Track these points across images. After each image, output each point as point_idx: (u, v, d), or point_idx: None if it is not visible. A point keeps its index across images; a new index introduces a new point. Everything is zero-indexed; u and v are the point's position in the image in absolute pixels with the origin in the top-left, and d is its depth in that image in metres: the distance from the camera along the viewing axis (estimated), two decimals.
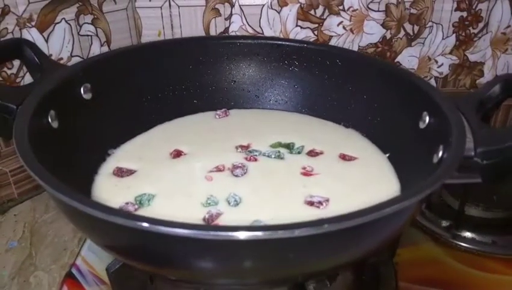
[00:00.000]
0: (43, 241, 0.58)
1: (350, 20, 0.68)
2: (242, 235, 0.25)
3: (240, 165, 0.45)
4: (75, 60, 0.64)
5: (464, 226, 0.53)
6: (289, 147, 0.49)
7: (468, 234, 0.53)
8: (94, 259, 0.52)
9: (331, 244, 0.28)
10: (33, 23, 0.59)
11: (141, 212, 0.40)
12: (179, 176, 0.45)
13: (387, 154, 0.47)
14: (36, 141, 0.37)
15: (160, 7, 0.68)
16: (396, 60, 0.70)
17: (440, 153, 0.37)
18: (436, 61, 0.71)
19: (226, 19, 0.68)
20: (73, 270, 0.51)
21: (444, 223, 0.54)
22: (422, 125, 0.43)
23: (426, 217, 0.55)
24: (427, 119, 0.42)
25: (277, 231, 0.25)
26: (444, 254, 0.51)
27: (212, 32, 0.68)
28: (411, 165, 0.42)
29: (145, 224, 0.26)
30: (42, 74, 0.45)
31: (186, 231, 0.25)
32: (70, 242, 0.57)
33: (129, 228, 0.26)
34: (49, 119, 0.41)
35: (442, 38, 0.69)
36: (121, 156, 0.48)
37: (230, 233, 0.25)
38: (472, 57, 0.71)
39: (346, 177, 0.44)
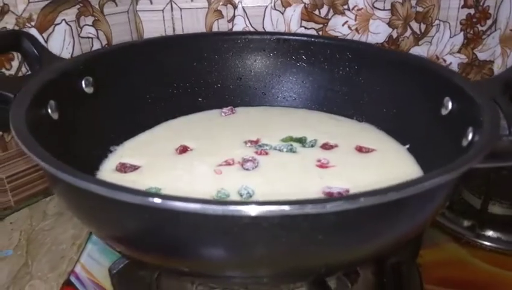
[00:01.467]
0: (40, 249, 0.54)
1: (355, 20, 0.67)
2: (266, 209, 0.23)
3: (250, 158, 0.43)
4: None
5: (487, 225, 0.50)
6: (301, 141, 0.46)
7: (492, 233, 0.50)
8: (94, 266, 0.49)
9: (365, 224, 0.25)
10: (33, 23, 0.57)
11: None
12: (186, 171, 0.42)
13: (407, 146, 0.44)
14: (35, 130, 0.34)
15: (162, 10, 0.67)
16: None
17: (470, 136, 0.35)
18: (445, 61, 0.69)
19: (228, 21, 0.67)
20: (72, 278, 0.48)
21: (466, 223, 0.51)
22: (444, 112, 0.40)
23: (447, 217, 0.52)
24: (450, 104, 0.40)
25: (306, 205, 0.22)
26: (468, 254, 0.48)
27: None
28: (435, 154, 0.39)
29: (157, 200, 0.23)
30: (41, 66, 0.43)
31: (203, 205, 0.23)
32: (69, 250, 0.54)
33: (139, 206, 0.24)
34: (49, 110, 0.39)
35: (450, 37, 0.68)
36: (124, 152, 0.45)
37: (251, 207, 0.23)
38: (481, 56, 0.69)
39: (366, 167, 0.41)
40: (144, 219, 0.25)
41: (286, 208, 0.22)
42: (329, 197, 0.23)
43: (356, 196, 0.23)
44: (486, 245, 0.49)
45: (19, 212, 0.61)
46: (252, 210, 0.23)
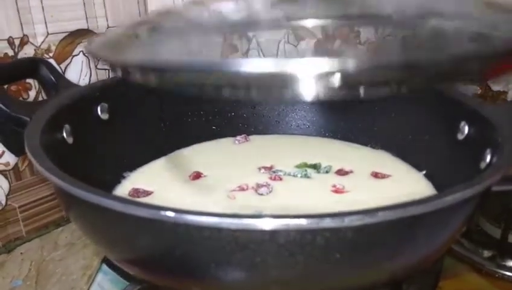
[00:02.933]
0: (50, 279, 0.54)
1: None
2: (279, 223, 0.22)
3: (264, 184, 0.42)
4: None
5: (508, 255, 0.49)
6: (316, 167, 0.46)
7: None
8: None
9: (383, 241, 0.24)
10: (51, 54, 0.59)
11: None
12: (200, 196, 0.41)
13: (423, 172, 0.43)
14: (50, 152, 0.34)
15: None
16: None
17: (488, 158, 0.34)
18: None
19: (243, 54, 0.68)
20: None
21: (487, 253, 0.50)
22: (461, 137, 0.40)
23: (466, 248, 0.50)
24: (466, 128, 0.39)
25: (324, 219, 0.22)
26: (489, 285, 0.46)
27: None
28: (453, 179, 0.38)
29: (170, 213, 0.22)
30: (57, 92, 0.44)
31: (218, 219, 0.22)
32: (79, 280, 0.53)
33: (152, 220, 0.23)
34: (64, 134, 0.39)
35: None
36: (137, 178, 0.45)
37: (266, 221, 0.22)
38: (495, 86, 0.69)
39: (382, 193, 0.41)
40: (157, 235, 0.25)
41: (303, 222, 0.22)
42: (348, 211, 0.22)
43: (375, 210, 0.22)
44: (508, 275, 0.47)
45: (30, 243, 0.60)
46: (267, 224, 0.22)
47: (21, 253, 0.58)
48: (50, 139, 0.35)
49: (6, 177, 0.58)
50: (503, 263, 0.48)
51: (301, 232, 0.22)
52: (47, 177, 0.28)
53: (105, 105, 0.45)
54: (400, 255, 0.26)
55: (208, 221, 0.22)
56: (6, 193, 0.58)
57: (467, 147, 0.39)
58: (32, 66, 0.44)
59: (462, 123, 0.40)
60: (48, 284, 0.53)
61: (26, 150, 0.31)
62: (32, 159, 0.30)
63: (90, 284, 0.51)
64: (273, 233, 0.22)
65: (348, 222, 0.22)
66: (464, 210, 0.28)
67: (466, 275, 0.47)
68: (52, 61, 0.59)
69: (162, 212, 0.22)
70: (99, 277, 0.51)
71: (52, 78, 0.45)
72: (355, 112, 0.51)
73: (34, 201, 0.62)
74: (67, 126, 0.39)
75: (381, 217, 0.22)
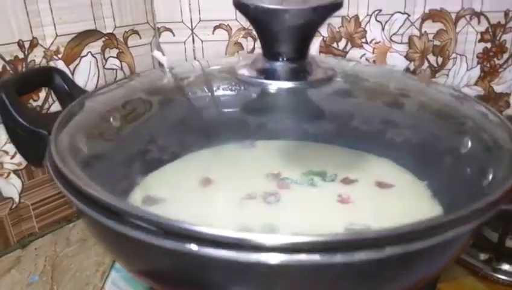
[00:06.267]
0: (65, 275, 0.56)
1: (373, 53, 0.68)
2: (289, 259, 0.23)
3: (272, 192, 0.44)
4: None
5: (504, 259, 0.51)
6: (322, 174, 0.47)
7: (509, 267, 0.50)
8: None
9: (387, 271, 0.26)
10: (60, 56, 0.60)
11: None
12: (210, 205, 0.43)
13: (425, 182, 0.45)
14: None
15: (184, 42, 0.69)
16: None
17: (491, 173, 0.35)
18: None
19: (248, 53, 0.69)
20: None
21: (483, 256, 0.52)
22: (464, 150, 0.41)
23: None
24: (469, 143, 0.41)
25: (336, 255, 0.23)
26: (485, 288, 0.48)
27: None
28: (454, 190, 0.40)
29: (194, 247, 0.24)
30: (72, 101, 0.45)
31: (235, 254, 0.24)
32: (93, 276, 0.55)
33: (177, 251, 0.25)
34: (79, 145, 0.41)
35: (467, 70, 0.69)
36: (150, 184, 0.46)
37: (275, 255, 0.24)
38: (497, 88, 0.70)
39: (386, 203, 0.42)
40: (178, 262, 0.26)
41: (316, 257, 0.23)
42: (357, 245, 0.24)
43: (383, 246, 0.24)
44: (504, 279, 0.49)
45: (43, 239, 0.62)
46: (275, 258, 0.24)
47: (35, 249, 0.61)
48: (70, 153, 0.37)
49: (19, 177, 0.60)
50: (499, 267, 0.50)
51: (312, 266, 0.24)
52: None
53: (117, 115, 0.46)
54: (404, 280, 0.28)
55: (224, 255, 0.24)
56: (20, 191, 0.60)
57: (469, 161, 0.40)
58: (46, 75, 0.45)
59: (466, 137, 0.41)
60: (63, 280, 0.55)
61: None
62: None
63: (104, 282, 0.54)
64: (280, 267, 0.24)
65: (357, 257, 0.23)
66: (471, 234, 0.29)
67: (463, 278, 0.50)
68: (61, 62, 0.59)
69: (187, 245, 0.24)
70: (113, 275, 0.54)
71: (66, 87, 0.46)
72: (361, 121, 0.52)
73: (46, 198, 0.64)
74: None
75: (388, 252, 0.24)
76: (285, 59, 0.39)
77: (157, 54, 0.46)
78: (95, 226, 0.32)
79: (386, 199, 0.43)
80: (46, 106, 0.59)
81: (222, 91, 0.51)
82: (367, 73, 0.52)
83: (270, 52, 0.39)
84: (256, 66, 0.41)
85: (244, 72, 0.42)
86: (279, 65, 0.40)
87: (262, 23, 0.36)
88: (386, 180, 0.46)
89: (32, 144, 0.39)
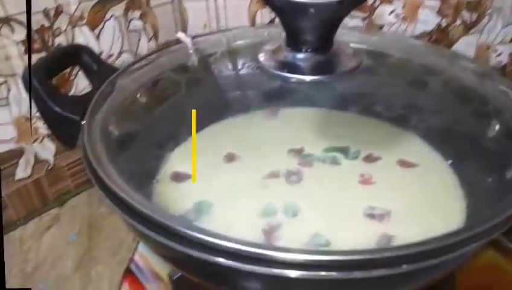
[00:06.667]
0: (100, 235, 0.60)
1: (403, 8, 0.65)
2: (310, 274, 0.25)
3: (294, 171, 0.45)
4: (125, 55, 0.64)
5: None
6: (344, 151, 0.48)
7: None
8: (151, 255, 0.53)
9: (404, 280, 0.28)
10: (84, 22, 0.60)
11: (201, 221, 0.40)
12: (234, 183, 0.45)
13: (449, 161, 0.45)
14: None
15: (206, 0, 0.67)
16: (451, 49, 0.67)
17: None
18: (496, 50, 0.67)
19: (271, 11, 0.66)
20: (132, 266, 0.53)
21: None
22: (491, 134, 0.41)
23: None
24: (497, 127, 0.40)
25: (353, 272, 0.25)
26: (504, 260, 0.50)
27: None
28: (478, 174, 0.40)
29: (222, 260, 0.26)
30: (100, 79, 0.46)
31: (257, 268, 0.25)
32: (126, 237, 0.59)
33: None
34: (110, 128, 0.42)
35: (503, 27, 0.66)
36: (177, 159, 0.48)
37: (292, 272, 0.25)
38: None
39: (407, 187, 0.43)
40: (207, 265, 0.28)
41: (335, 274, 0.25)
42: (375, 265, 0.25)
43: (399, 263, 0.25)
44: None
45: (78, 197, 0.66)
46: (294, 273, 0.25)
47: (72, 206, 0.65)
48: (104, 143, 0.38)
49: (52, 140, 0.62)
50: None
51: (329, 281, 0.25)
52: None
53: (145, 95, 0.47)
54: (419, 283, 0.30)
55: (247, 268, 0.26)
56: (54, 153, 0.63)
57: (495, 147, 0.40)
58: (74, 54, 0.45)
59: (494, 121, 0.41)
60: (100, 239, 0.59)
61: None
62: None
63: (138, 243, 0.57)
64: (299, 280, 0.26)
65: (375, 274, 0.25)
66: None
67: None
68: (85, 28, 0.59)
69: (216, 259, 0.26)
70: None
71: (94, 65, 0.46)
72: (390, 90, 0.51)
73: (79, 159, 0.66)
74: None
75: (405, 268, 0.25)
76: (309, 50, 0.38)
77: (181, 35, 0.45)
78: (123, 220, 0.34)
79: (408, 180, 0.44)
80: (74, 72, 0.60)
81: (245, 72, 0.51)
82: (392, 48, 0.50)
83: (295, 42, 0.38)
84: (278, 57, 0.40)
85: (266, 62, 0.41)
86: (303, 58, 0.39)
87: (287, 16, 0.35)
88: (409, 158, 0.46)
89: (64, 128, 0.41)
